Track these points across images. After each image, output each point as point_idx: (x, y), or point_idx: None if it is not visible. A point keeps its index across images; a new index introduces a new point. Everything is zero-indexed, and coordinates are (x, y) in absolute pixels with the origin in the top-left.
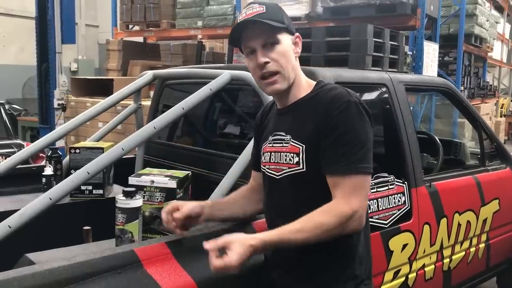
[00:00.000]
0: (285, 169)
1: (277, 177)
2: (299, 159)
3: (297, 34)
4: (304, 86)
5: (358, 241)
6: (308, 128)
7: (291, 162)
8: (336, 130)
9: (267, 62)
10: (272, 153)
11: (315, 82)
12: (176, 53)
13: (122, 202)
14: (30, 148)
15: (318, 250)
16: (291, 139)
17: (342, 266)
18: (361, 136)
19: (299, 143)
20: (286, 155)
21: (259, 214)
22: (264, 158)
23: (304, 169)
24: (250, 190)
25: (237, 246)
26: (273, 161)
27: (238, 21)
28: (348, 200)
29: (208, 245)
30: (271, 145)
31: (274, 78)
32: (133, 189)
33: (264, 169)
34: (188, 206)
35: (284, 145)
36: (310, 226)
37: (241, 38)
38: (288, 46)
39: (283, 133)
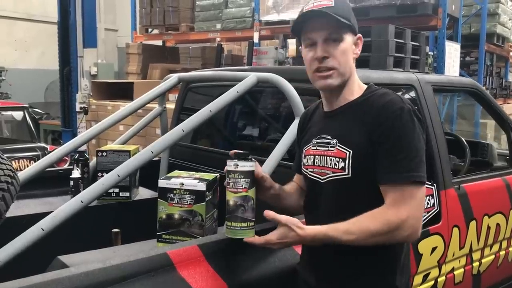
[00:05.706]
0: (330, 174)
1: (322, 181)
2: (345, 164)
3: (359, 35)
4: (356, 89)
5: (401, 251)
6: (357, 133)
7: (336, 167)
8: (390, 138)
9: (326, 57)
10: (317, 156)
11: (366, 86)
12: (195, 56)
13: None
14: (57, 152)
15: (360, 257)
16: (338, 143)
17: (383, 275)
18: (414, 144)
19: (346, 148)
20: (331, 159)
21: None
22: (307, 161)
23: (350, 175)
24: (298, 187)
25: (288, 233)
26: (317, 165)
27: (304, 11)
28: (397, 208)
29: (268, 213)
30: (315, 148)
31: (329, 72)
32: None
33: (307, 172)
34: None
35: (330, 149)
36: (355, 229)
37: (303, 28)
38: (349, 45)
39: (329, 137)
